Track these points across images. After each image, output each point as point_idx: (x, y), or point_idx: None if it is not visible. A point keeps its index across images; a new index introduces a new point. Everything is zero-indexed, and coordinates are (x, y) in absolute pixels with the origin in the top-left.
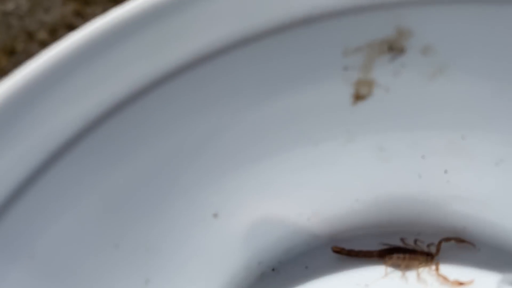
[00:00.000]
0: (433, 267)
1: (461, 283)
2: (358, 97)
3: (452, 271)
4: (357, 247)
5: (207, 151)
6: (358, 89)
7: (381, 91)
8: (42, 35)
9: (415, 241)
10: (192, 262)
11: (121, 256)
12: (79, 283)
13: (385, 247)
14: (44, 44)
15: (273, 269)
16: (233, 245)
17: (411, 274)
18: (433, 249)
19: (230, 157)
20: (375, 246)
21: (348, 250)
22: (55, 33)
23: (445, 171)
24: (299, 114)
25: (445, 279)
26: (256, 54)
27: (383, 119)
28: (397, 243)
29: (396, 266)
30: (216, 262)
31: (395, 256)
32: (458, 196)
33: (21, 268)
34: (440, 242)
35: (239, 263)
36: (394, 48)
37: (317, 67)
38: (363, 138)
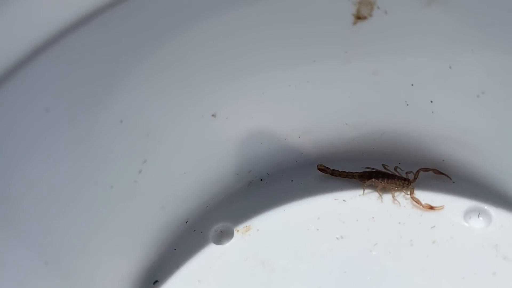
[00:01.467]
0: (408, 191)
1: (432, 207)
2: (359, 17)
3: (425, 197)
4: (340, 168)
5: (211, 53)
6: (360, 9)
7: (380, 13)
8: None
9: (395, 168)
10: (187, 154)
11: (123, 132)
12: (87, 153)
13: (366, 169)
14: None
15: (261, 179)
16: (227, 148)
17: (387, 196)
18: (411, 177)
19: (232, 63)
20: (358, 170)
21: (332, 170)
22: None
23: (431, 101)
24: (302, 30)
25: (418, 202)
26: None
27: (379, 42)
28: (379, 168)
29: (374, 187)
30: (209, 160)
31: (374, 179)
32: (440, 128)
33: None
34: (418, 171)
35: (230, 166)
36: None
37: None
38: (359, 60)
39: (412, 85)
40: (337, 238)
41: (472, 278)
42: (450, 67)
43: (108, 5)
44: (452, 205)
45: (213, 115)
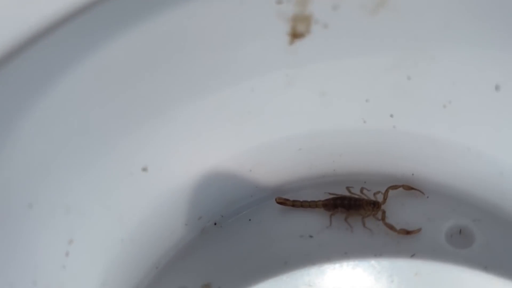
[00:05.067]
0: (380, 216)
1: (408, 232)
2: (296, 36)
3: (399, 219)
4: (302, 197)
5: (131, 97)
6: (295, 26)
7: (319, 27)
8: None
9: (361, 189)
10: (121, 218)
11: (36, 217)
12: None
13: (330, 196)
14: None
15: (215, 223)
16: (168, 200)
17: (357, 224)
18: (380, 198)
19: (158, 103)
20: (320, 196)
21: (293, 201)
22: None
23: (391, 115)
24: (232, 57)
25: (391, 228)
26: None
27: (323, 60)
28: (343, 192)
29: (342, 215)
30: (150, 217)
31: (339, 207)
32: (406, 142)
33: None
34: (387, 190)
35: (177, 218)
36: None
37: (249, 1)
38: (303, 82)
39: (366, 101)
40: (309, 286)
41: None
42: (408, 78)
43: None
44: (430, 226)
45: (143, 169)
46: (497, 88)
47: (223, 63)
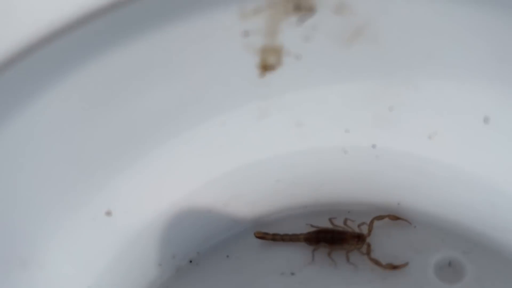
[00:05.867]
0: (365, 250)
1: (395, 267)
2: (266, 68)
3: (386, 251)
4: (282, 230)
5: (88, 139)
6: (265, 58)
7: (291, 59)
8: None
9: (345, 221)
10: (88, 268)
11: None
12: None
13: (312, 229)
14: None
15: (190, 261)
16: (138, 241)
17: (341, 259)
18: (364, 229)
19: (119, 142)
20: (302, 228)
21: (273, 235)
22: None
23: (373, 146)
24: (200, 91)
25: (377, 263)
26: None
27: (297, 91)
28: (326, 223)
29: (325, 250)
30: (119, 263)
31: (322, 242)
32: (390, 171)
33: None
34: (372, 221)
35: (148, 260)
36: (302, 7)
37: (212, 34)
38: (277, 114)
39: (346, 131)
40: None
41: None
42: (390, 109)
43: None
44: (418, 258)
45: (107, 213)
46: (485, 120)
47: (190, 98)
